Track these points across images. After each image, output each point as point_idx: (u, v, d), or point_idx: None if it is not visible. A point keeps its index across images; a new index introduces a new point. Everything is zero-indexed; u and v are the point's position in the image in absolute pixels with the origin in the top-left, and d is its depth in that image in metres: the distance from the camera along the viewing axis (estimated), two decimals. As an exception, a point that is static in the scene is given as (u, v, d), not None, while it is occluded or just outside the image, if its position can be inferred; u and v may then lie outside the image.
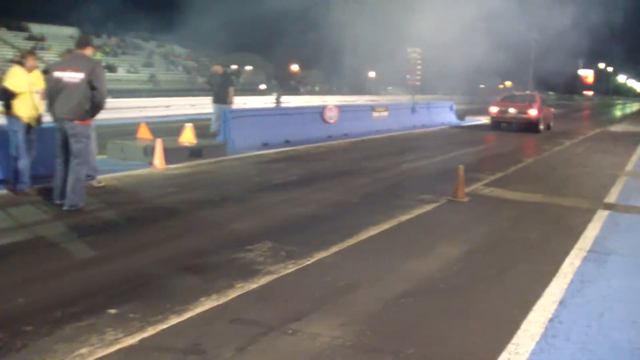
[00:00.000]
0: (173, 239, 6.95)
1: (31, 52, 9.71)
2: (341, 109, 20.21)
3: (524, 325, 4.54)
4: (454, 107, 29.79)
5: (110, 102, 30.81)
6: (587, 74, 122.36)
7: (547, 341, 4.27)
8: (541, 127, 24.53)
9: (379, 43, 50.72)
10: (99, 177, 9.90)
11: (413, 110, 25.28)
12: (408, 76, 28.19)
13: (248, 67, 71.41)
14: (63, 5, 59.60)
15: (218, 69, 18.30)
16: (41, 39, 52.15)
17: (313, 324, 4.47)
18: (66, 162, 8.27)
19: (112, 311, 4.66)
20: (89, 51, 8.52)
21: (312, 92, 61.12)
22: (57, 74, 8.17)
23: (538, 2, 35.84)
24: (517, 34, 40.32)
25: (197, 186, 10.33)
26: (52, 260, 6.05)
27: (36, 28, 52.99)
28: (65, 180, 8.21)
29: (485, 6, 36.46)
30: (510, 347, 4.16)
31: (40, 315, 4.55)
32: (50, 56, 47.71)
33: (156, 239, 6.95)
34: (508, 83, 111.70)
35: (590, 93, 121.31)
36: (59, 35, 55.14)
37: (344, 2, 62.50)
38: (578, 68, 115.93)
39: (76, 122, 8.10)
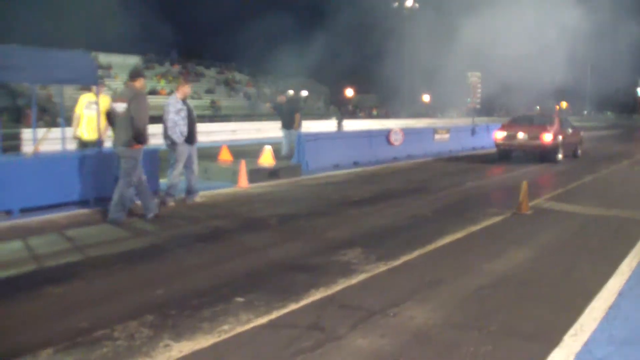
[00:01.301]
0: (276, 245, 8.02)
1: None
2: (404, 132, 21.15)
3: (587, 310, 5.37)
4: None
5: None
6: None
7: (608, 322, 5.11)
8: (559, 156, 19.65)
9: (435, 66, 51.49)
10: (200, 193, 11.25)
11: (473, 132, 25.96)
12: (468, 100, 28.76)
13: (304, 92, 72.89)
14: (128, 35, 62.22)
15: (282, 98, 19.45)
16: (108, 67, 54.39)
17: (408, 309, 5.40)
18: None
19: (240, 299, 5.67)
20: (138, 83, 9.51)
21: (370, 116, 62.13)
22: (112, 104, 9.40)
23: (594, 21, 36.12)
24: (574, 54, 40.50)
25: (282, 202, 11.43)
26: (175, 261, 7.24)
27: (103, 57, 55.26)
28: (143, 196, 9.48)
29: (542, 26, 36.98)
30: (576, 325, 5.00)
31: (180, 303, 5.58)
32: (117, 84, 50.02)
33: (260, 244, 8.03)
34: (564, 104, 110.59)
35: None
36: (124, 64, 57.47)
37: (398, 26, 63.56)
38: (637, 87, 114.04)
39: (122, 147, 9.22)
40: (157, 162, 11.65)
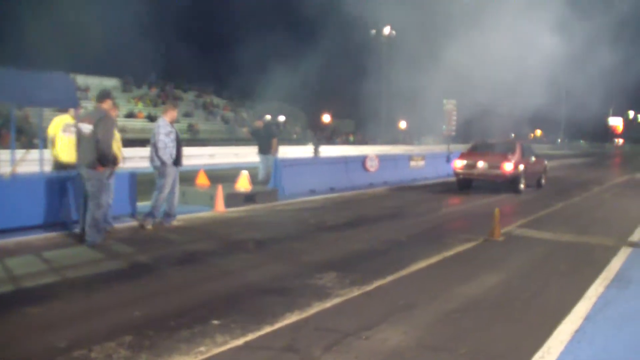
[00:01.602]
0: (252, 268, 8.14)
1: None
2: (380, 158, 21.39)
3: (555, 333, 5.55)
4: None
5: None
6: (617, 123, 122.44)
7: (573, 344, 5.29)
8: (521, 186, 18.80)
9: (412, 93, 52.04)
10: (178, 216, 11.37)
11: (448, 159, 26.28)
12: (444, 127, 29.06)
13: (282, 117, 73.17)
14: (106, 57, 62.28)
15: (259, 123, 19.59)
16: (85, 89, 54.31)
17: (381, 331, 5.53)
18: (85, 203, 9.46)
19: (216, 322, 5.77)
20: (106, 104, 9.61)
21: (346, 142, 62.54)
22: (79, 125, 9.40)
23: (569, 49, 36.75)
24: (549, 82, 41.18)
25: (259, 226, 11.54)
26: (153, 283, 7.32)
27: (81, 79, 55.15)
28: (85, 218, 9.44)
29: (519, 53, 37.62)
30: (544, 347, 5.18)
31: (158, 324, 5.67)
32: (93, 106, 49.82)
33: (237, 267, 8.15)
34: (538, 132, 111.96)
35: (620, 141, 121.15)
36: (101, 86, 57.29)
37: (376, 53, 64.23)
38: (608, 116, 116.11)
39: (87, 168, 9.26)
40: (135, 185, 11.73)
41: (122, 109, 53.75)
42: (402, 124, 76.84)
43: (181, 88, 67.36)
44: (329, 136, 68.13)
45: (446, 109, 29.07)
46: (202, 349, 5.07)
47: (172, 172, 10.92)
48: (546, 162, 22.25)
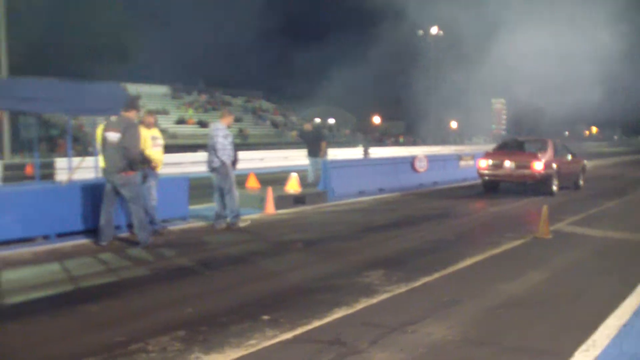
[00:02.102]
0: (301, 267, 8.39)
1: (150, 112, 11.32)
2: (429, 158, 21.40)
3: (601, 328, 5.56)
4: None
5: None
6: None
7: (620, 338, 5.29)
8: (554, 187, 17.09)
9: (461, 93, 51.73)
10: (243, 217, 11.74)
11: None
12: (493, 126, 28.91)
13: (331, 120, 73.45)
14: (156, 65, 63.67)
15: (308, 127, 19.85)
16: (137, 97, 55.49)
17: (426, 326, 5.64)
18: (120, 206, 9.87)
19: (266, 317, 5.96)
20: (132, 113, 9.86)
21: (396, 144, 62.45)
22: (105, 133, 9.64)
23: (625, 43, 35.96)
24: (604, 78, 40.31)
25: (308, 227, 11.79)
26: (204, 282, 7.61)
27: (132, 87, 56.39)
28: (109, 223, 9.74)
29: (570, 51, 37.01)
30: (589, 341, 5.20)
31: (210, 320, 5.90)
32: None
33: (287, 266, 8.42)
34: (594, 129, 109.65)
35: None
36: (152, 94, 58.62)
37: (425, 53, 64.02)
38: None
39: (118, 174, 9.49)
40: (188, 189, 12.02)
41: (172, 115, 54.85)
42: (453, 124, 76.41)
43: (230, 94, 68.13)
44: (378, 138, 68.13)
45: (495, 108, 28.92)
46: (252, 342, 5.25)
47: (232, 174, 11.24)
48: (585, 161, 20.54)
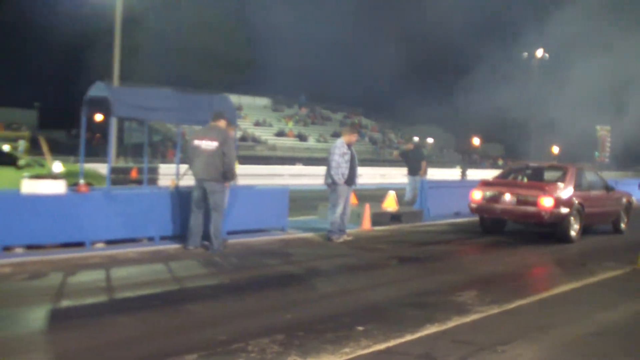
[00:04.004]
0: (395, 282, 8.67)
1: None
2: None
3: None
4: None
5: (307, 169, 33.52)
6: None
7: None
8: (573, 232, 12.74)
9: (565, 118, 50.50)
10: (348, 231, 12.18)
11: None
12: (597, 153, 28.17)
13: (430, 140, 73.08)
14: (258, 78, 65.22)
15: (410, 146, 20.08)
16: (238, 108, 57.02)
17: (516, 347, 5.77)
18: (205, 213, 10.17)
19: (360, 328, 6.24)
20: (222, 123, 10.23)
21: (494, 166, 61.54)
22: (196, 142, 10.02)
23: None
24: None
25: (403, 245, 12.06)
26: (302, 291, 8.03)
27: (234, 98, 58.05)
28: (199, 228, 10.16)
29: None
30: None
31: (305, 327, 6.23)
32: (246, 124, 52.37)
33: (382, 281, 8.73)
34: None
35: None
36: (253, 105, 60.16)
37: (525, 77, 62.77)
38: None
39: (212, 182, 9.92)
40: (287, 201, 12.49)
41: (272, 127, 56.06)
42: (555, 149, 74.52)
43: (330, 109, 68.85)
44: (477, 160, 67.34)
45: (600, 135, 28.17)
46: (346, 349, 5.53)
47: (343, 191, 11.68)
48: (630, 197, 15.88)
